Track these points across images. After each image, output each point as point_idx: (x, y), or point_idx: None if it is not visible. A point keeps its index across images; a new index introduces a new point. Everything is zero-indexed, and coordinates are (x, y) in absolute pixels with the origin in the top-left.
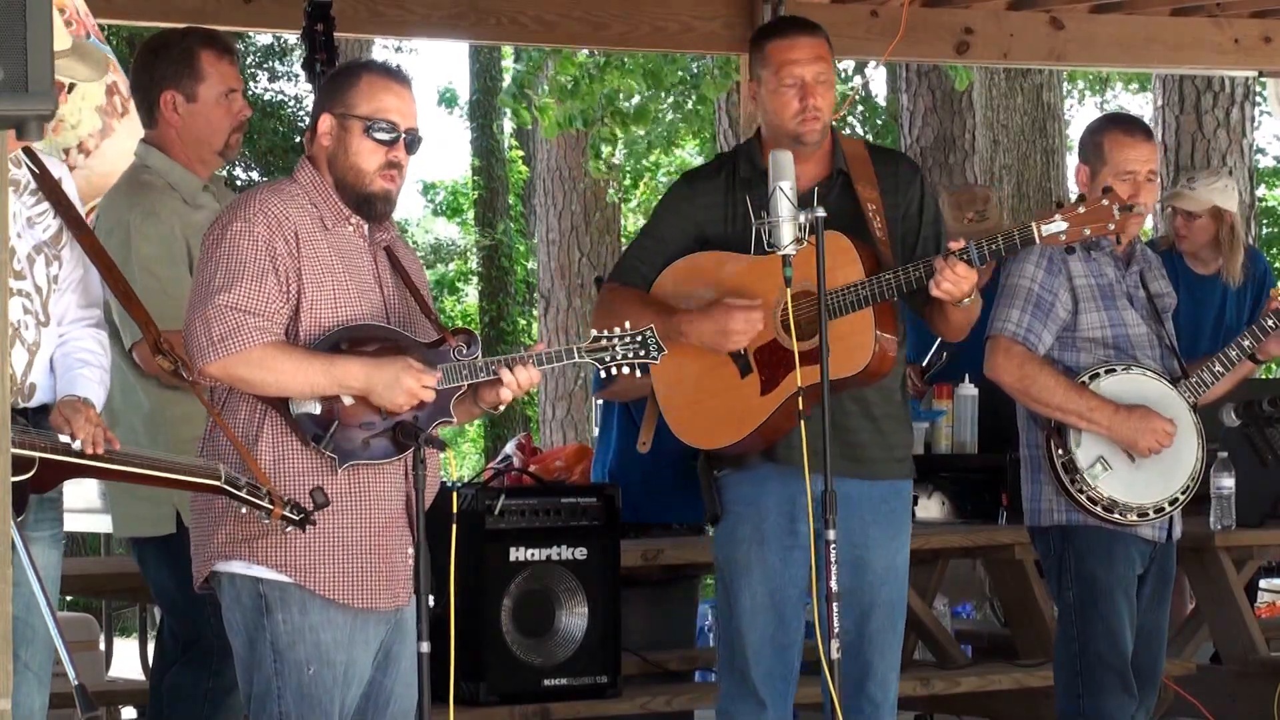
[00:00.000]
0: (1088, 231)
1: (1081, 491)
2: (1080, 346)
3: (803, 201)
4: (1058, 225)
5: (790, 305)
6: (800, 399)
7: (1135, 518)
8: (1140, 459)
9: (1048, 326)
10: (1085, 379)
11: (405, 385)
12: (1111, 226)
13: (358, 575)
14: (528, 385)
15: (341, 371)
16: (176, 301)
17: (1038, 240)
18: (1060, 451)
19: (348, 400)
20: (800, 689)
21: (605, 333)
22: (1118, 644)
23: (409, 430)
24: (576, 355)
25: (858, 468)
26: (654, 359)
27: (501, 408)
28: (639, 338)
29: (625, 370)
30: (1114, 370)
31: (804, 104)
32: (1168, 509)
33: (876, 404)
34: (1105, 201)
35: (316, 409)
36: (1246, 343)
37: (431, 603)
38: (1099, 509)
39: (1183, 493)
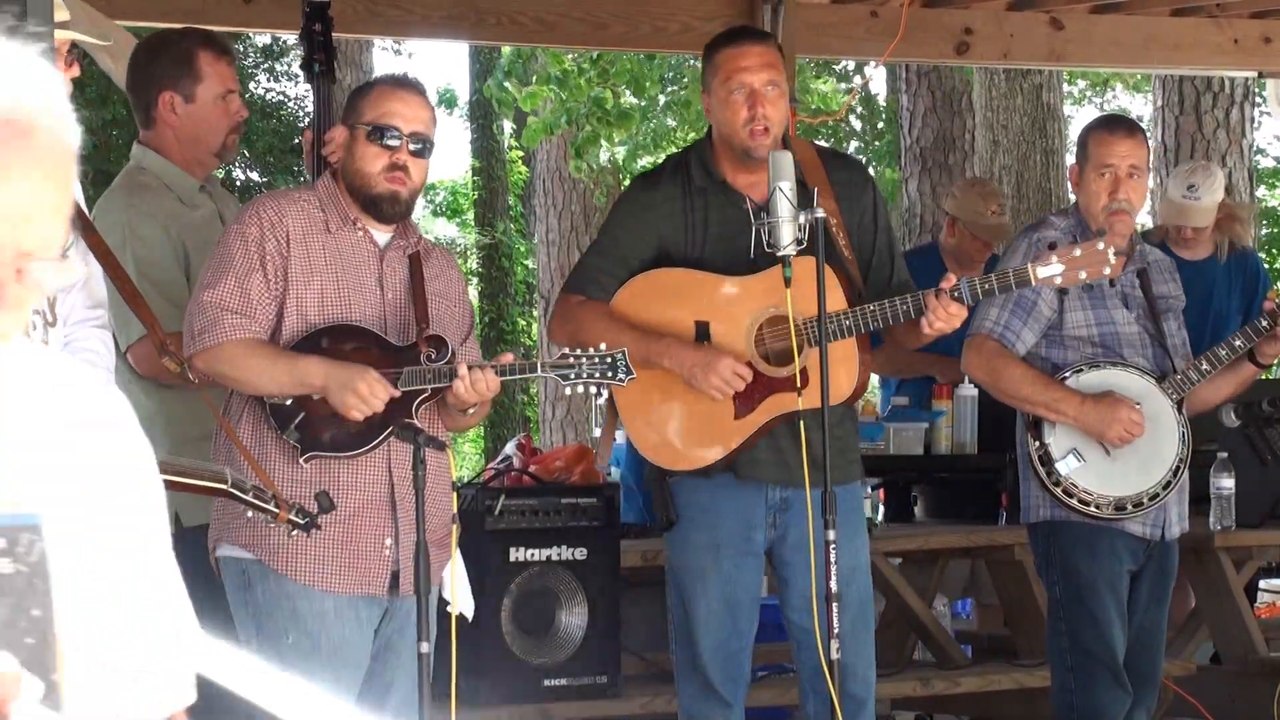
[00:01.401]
0: (1083, 275)
1: (1058, 485)
2: (1068, 344)
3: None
4: (1053, 268)
5: (792, 318)
6: (802, 420)
7: (1113, 511)
8: (1116, 452)
9: (1028, 325)
10: (1067, 374)
11: (356, 388)
12: (1107, 270)
13: (319, 559)
14: (483, 391)
15: (304, 371)
16: (172, 303)
17: (1033, 282)
18: (1037, 445)
19: (317, 396)
20: (787, 690)
21: (575, 350)
22: (1105, 638)
23: (408, 430)
24: (540, 370)
25: (819, 475)
26: (620, 382)
27: (470, 411)
28: (609, 359)
29: (592, 390)
30: (1097, 366)
31: (753, 113)
32: (1147, 504)
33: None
34: (1101, 245)
35: (287, 400)
36: (1238, 342)
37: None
38: (1075, 502)
39: (1163, 488)
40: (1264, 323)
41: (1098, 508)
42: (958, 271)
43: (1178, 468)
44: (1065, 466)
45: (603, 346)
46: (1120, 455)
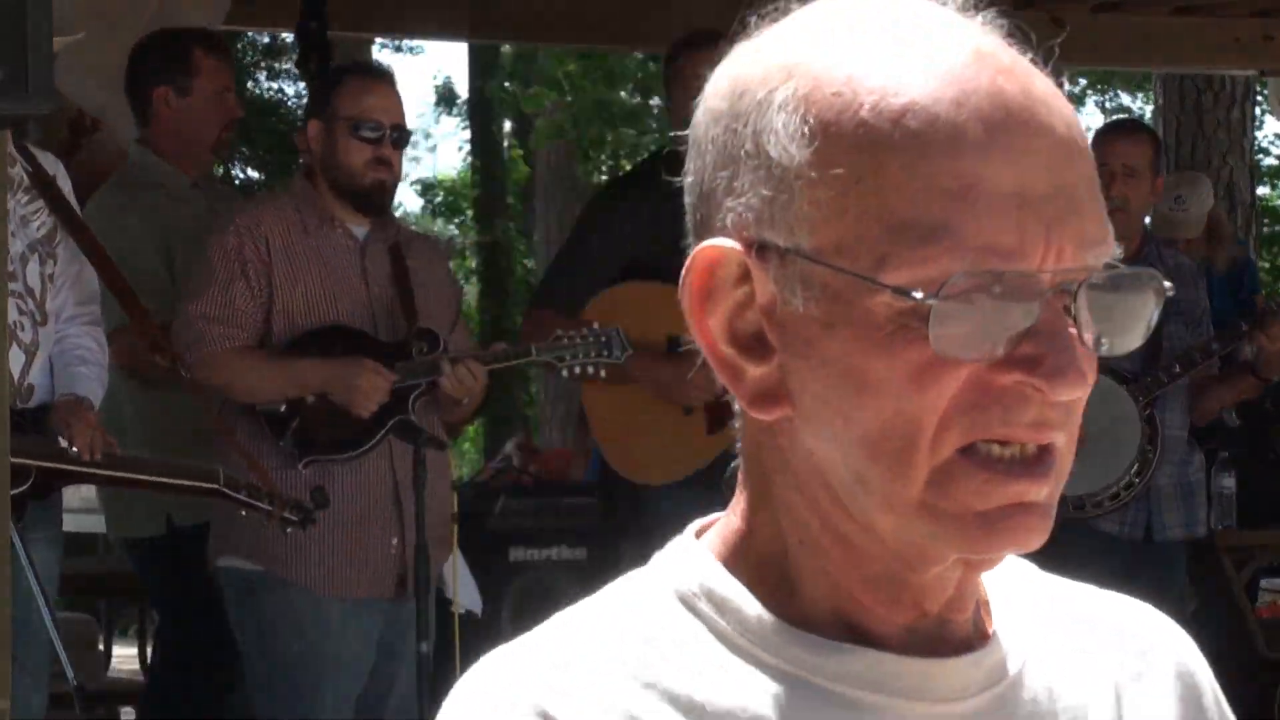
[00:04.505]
0: None
1: None
2: None
3: None
4: None
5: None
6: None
7: (1070, 510)
8: None
9: None
10: None
11: (359, 385)
12: None
13: (326, 565)
14: (470, 385)
15: (301, 374)
16: (147, 294)
17: None
18: None
19: (311, 399)
20: None
21: (569, 331)
22: None
23: (409, 430)
24: (534, 354)
25: None
26: (618, 359)
27: (465, 400)
28: (603, 337)
29: (590, 371)
30: None
31: None
32: (1108, 504)
33: None
34: None
35: (281, 406)
36: (1214, 345)
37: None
38: None
39: (1124, 489)
40: (1243, 326)
41: None
42: None
43: (1140, 470)
44: None
45: (595, 325)
46: None
